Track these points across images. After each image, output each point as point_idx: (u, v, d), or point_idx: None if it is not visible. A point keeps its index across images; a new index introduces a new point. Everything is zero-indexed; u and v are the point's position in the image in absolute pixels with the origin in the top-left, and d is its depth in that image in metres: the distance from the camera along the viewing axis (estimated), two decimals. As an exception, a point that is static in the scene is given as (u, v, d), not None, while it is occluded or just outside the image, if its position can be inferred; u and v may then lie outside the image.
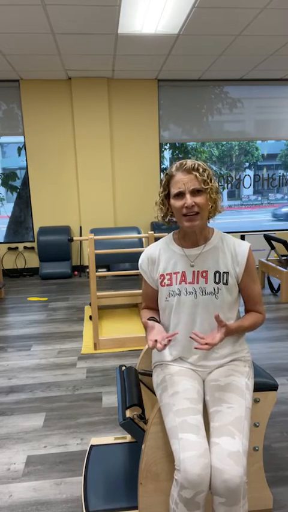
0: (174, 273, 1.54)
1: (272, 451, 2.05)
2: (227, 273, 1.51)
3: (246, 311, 1.62)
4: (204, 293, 1.51)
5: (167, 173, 1.49)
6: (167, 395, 1.45)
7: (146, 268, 1.62)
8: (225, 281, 1.51)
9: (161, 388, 1.50)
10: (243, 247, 1.54)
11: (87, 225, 6.07)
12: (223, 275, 1.51)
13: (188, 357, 1.56)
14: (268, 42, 4.42)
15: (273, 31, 4.10)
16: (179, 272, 1.54)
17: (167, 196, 1.52)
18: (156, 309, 1.68)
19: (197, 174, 1.42)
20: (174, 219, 1.56)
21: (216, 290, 1.50)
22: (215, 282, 1.50)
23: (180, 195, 1.44)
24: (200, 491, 1.24)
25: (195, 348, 1.35)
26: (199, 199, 1.43)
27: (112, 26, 3.90)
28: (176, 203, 1.46)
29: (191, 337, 1.37)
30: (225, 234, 1.61)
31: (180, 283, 1.52)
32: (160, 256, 1.59)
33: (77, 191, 6.06)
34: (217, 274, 1.51)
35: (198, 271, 1.52)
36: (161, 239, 1.65)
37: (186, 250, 1.55)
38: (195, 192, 1.43)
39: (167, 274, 1.55)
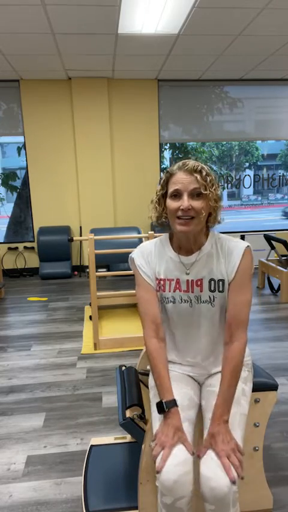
0: (168, 280, 1.46)
1: (272, 451, 2.05)
2: (223, 280, 1.42)
3: (225, 341, 1.42)
4: (200, 301, 1.44)
5: (167, 171, 1.39)
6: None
7: (141, 262, 1.48)
8: (220, 289, 1.43)
9: (153, 392, 1.49)
10: (238, 248, 1.42)
11: (87, 225, 6.07)
12: (218, 283, 1.43)
13: (185, 364, 1.53)
14: (268, 42, 4.42)
15: (273, 31, 4.09)
16: (173, 279, 1.45)
17: (164, 195, 1.41)
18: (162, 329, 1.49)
19: (198, 177, 1.32)
20: (168, 222, 1.44)
21: (212, 298, 1.43)
22: (210, 290, 1.43)
23: (177, 195, 1.35)
24: (179, 498, 1.23)
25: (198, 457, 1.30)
26: (196, 204, 1.33)
27: (112, 26, 3.90)
28: (172, 204, 1.36)
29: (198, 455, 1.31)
30: (223, 235, 1.48)
31: (174, 291, 1.45)
32: (155, 255, 1.49)
33: (77, 191, 6.06)
34: (212, 282, 1.43)
35: (192, 280, 1.44)
36: (156, 238, 1.55)
37: (182, 258, 1.46)
38: (193, 195, 1.34)
39: (161, 280, 1.47)
